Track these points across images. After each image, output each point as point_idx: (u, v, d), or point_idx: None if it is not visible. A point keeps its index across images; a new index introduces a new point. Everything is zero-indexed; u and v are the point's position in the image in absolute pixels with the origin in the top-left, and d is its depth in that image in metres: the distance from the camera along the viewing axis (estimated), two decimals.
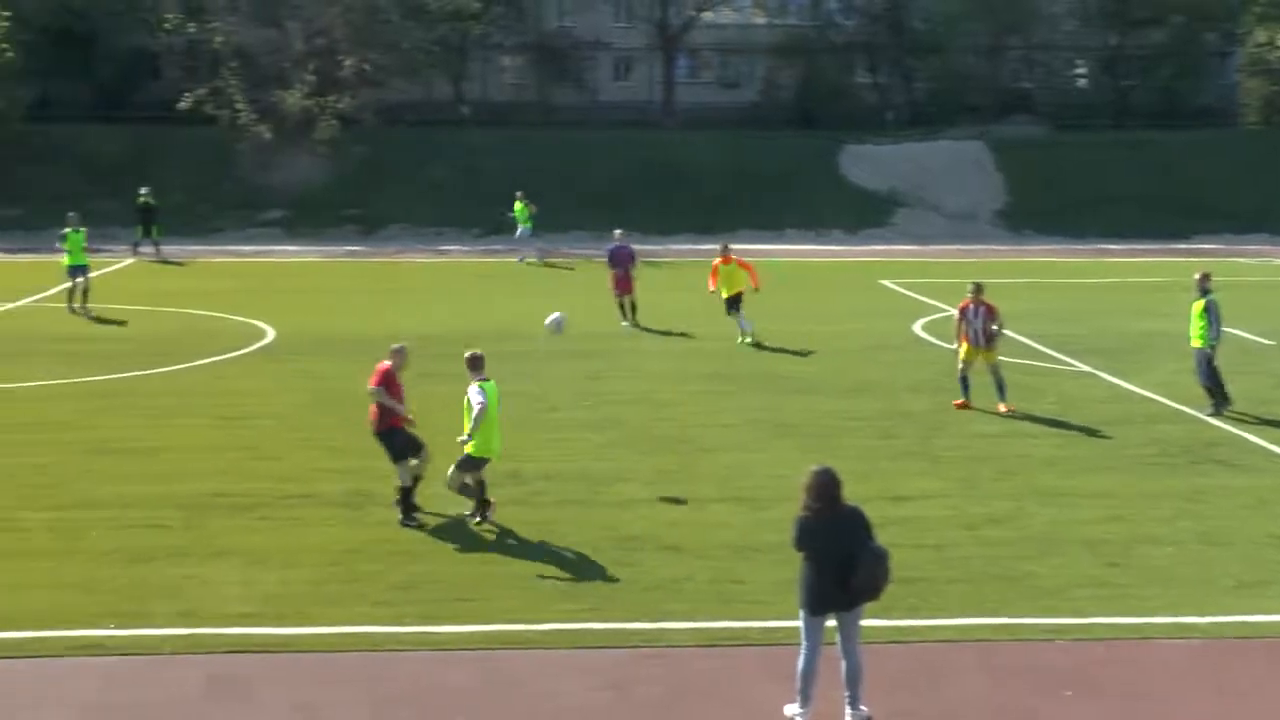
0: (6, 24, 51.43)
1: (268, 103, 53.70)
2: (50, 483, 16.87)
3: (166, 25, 55.75)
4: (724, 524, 15.36)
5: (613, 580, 13.63)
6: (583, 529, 15.24)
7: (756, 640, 11.95)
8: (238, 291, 35.15)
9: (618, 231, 31.63)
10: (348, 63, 54.92)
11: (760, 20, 69.24)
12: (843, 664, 10.51)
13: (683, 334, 28.33)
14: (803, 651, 10.47)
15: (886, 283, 37.83)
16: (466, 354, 15.67)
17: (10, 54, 51.41)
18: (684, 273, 40.51)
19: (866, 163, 57.63)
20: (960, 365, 21.43)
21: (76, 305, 30.45)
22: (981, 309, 21.20)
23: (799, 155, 57.14)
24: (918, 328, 29.73)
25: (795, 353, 26.42)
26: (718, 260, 27.72)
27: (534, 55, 67.15)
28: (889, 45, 67.66)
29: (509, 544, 14.73)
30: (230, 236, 49.42)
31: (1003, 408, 21.05)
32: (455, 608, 12.85)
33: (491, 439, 15.30)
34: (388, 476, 16.78)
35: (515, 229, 44.04)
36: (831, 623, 10.48)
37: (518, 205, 43.48)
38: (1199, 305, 21.12)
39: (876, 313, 31.95)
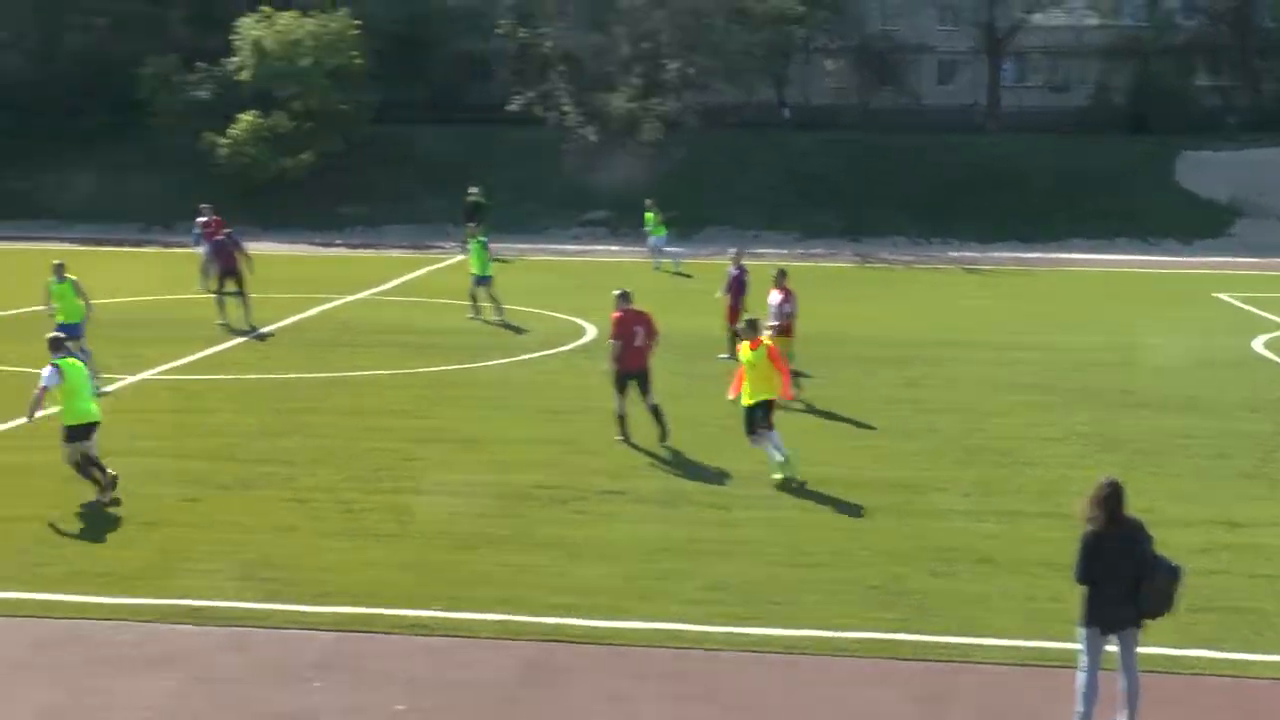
0: (357, 32, 54.26)
1: (594, 105, 55.02)
2: (384, 467, 17.72)
3: (500, 31, 57.79)
4: (1042, 539, 14.91)
5: (925, 592, 13.42)
6: (894, 538, 15.07)
7: (1072, 662, 11.57)
8: (560, 289, 36.12)
9: (731, 250, 27.89)
10: (672, 66, 55.75)
11: (1093, 21, 66.83)
12: (1121, 681, 10.11)
13: (1002, 345, 27.61)
14: (1083, 670, 10.13)
15: (1223, 296, 36.02)
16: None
17: (360, 60, 54.24)
18: (1005, 280, 39.59)
19: (1204, 170, 54.92)
20: None
21: (482, 309, 30.61)
22: None
23: (1130, 161, 54.95)
24: (1258, 345, 28.17)
25: (1122, 366, 25.45)
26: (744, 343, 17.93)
27: (856, 58, 66.68)
28: (1233, 46, 64.34)
29: (820, 549, 14.68)
30: (555, 235, 50.82)
31: None
32: (765, 610, 12.89)
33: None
34: (699, 476, 17.01)
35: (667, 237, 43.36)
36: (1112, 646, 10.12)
37: (648, 214, 42.92)
38: None
39: (1211, 328, 30.45)
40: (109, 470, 16.01)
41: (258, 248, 46.05)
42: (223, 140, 52.07)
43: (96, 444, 16.11)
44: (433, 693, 11.19)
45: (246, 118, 52.25)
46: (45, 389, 15.87)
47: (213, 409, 21.14)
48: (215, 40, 54.91)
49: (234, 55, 53.88)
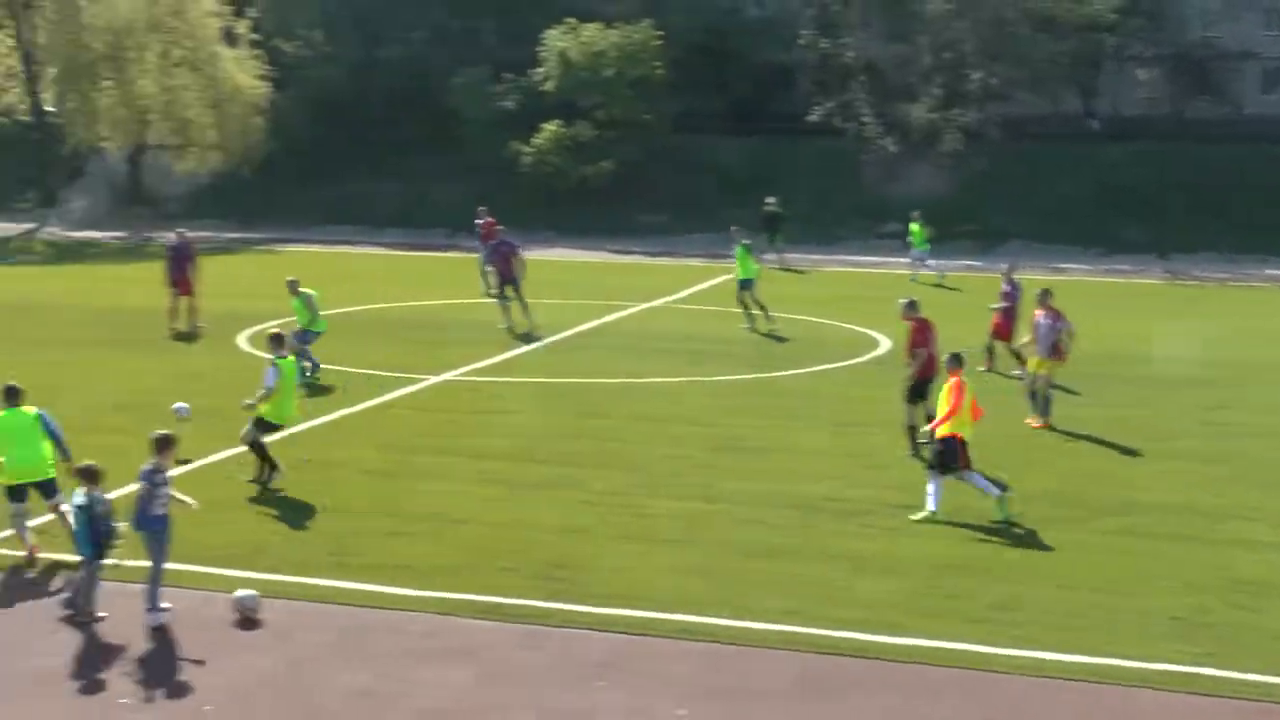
0: (659, 43, 55.15)
1: (894, 116, 54.50)
2: (675, 473, 17.97)
3: (801, 42, 57.81)
4: None
5: (1229, 625, 12.83)
6: (1195, 567, 14.47)
7: None
8: (855, 300, 35.87)
9: (1003, 266, 26.82)
10: (975, 76, 54.75)
11: None
12: None
13: None
14: None
15: None
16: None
17: (661, 71, 55.10)
18: None
19: None
20: None
21: (754, 317, 30.54)
22: None
23: None
24: None
25: None
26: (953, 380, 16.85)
27: (1172, 66, 64.04)
28: None
29: (1116, 574, 14.21)
30: (851, 246, 50.48)
31: None
32: (1057, 635, 12.55)
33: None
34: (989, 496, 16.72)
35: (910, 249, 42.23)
36: None
37: (914, 226, 41.90)
38: None
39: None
40: (280, 468, 17.15)
41: (556, 255, 47.48)
42: (526, 149, 53.68)
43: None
44: (714, 699, 11.31)
45: (550, 127, 53.73)
46: (270, 389, 17.03)
47: (510, 410, 21.84)
48: (522, 52, 56.64)
49: (540, 66, 55.47)
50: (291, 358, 17.97)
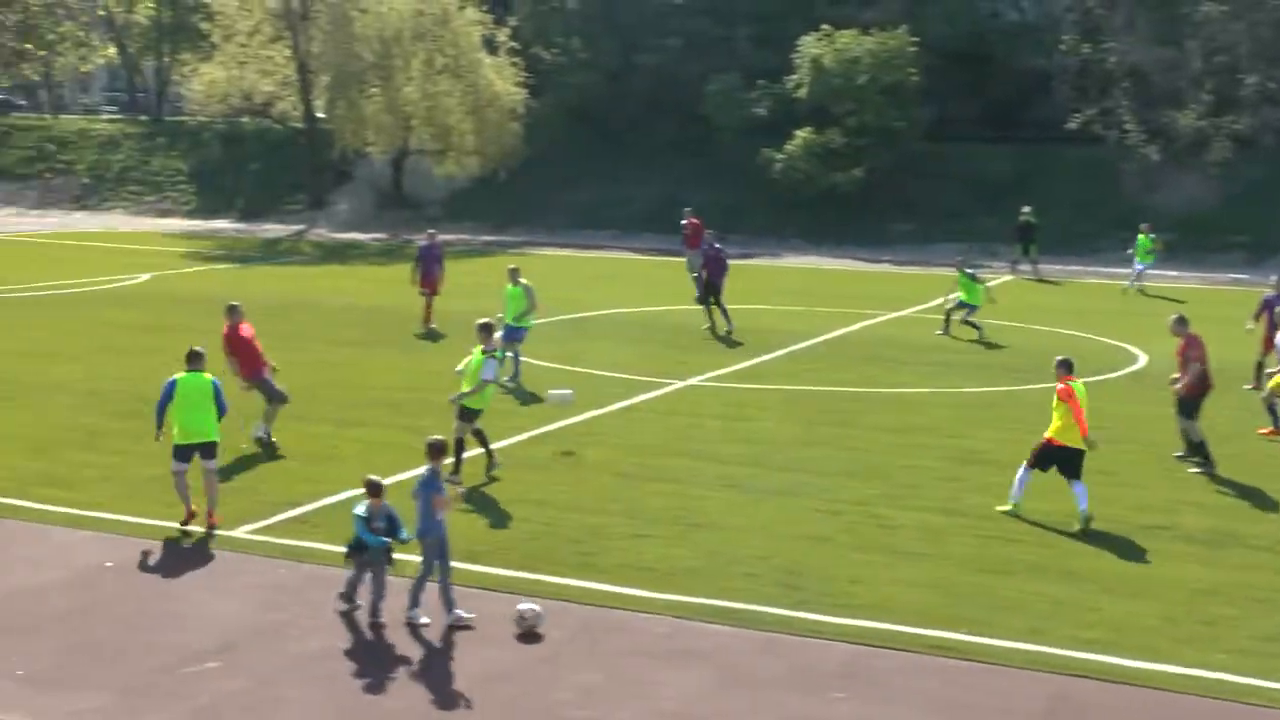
0: (915, 49, 54.46)
1: (1158, 123, 52.59)
2: (920, 485, 17.71)
3: (1062, 47, 56.29)
4: None
5: None
6: None
7: None
8: (1110, 313, 34.80)
9: (1274, 278, 25.81)
10: (1249, 80, 52.44)
11: None
12: None
13: None
14: None
15: None
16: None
17: (916, 77, 54.40)
18: None
19: None
20: None
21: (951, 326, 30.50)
22: None
23: None
24: None
25: None
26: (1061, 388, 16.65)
27: None
28: None
29: None
30: (1110, 257, 48.91)
31: None
32: None
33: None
34: (1257, 519, 16.02)
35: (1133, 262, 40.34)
36: None
37: (1141, 238, 40.05)
38: None
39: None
40: (493, 453, 17.86)
41: (806, 262, 47.36)
42: (778, 155, 53.63)
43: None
44: (951, 715, 11.10)
45: (802, 134, 53.57)
46: (488, 380, 17.49)
47: (754, 417, 21.83)
48: (776, 58, 56.64)
49: (793, 73, 55.38)
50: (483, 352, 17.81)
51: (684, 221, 38.76)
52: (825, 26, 55.30)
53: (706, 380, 24.64)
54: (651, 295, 36.63)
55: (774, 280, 41.82)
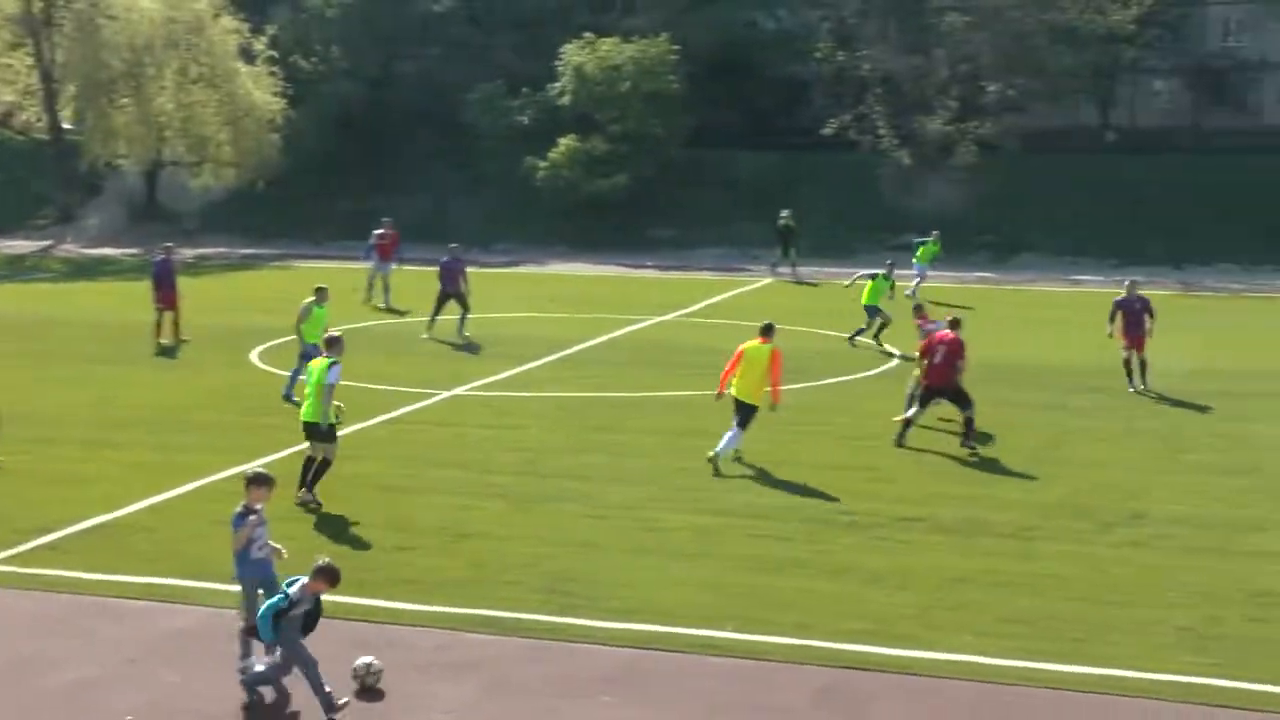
0: (675, 57, 55.20)
1: (909, 129, 54.44)
2: (688, 488, 17.90)
3: (818, 54, 57.79)
4: None
5: (1244, 637, 12.72)
6: (1209, 578, 14.35)
7: None
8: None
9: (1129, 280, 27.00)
10: (992, 88, 54.67)
11: None
12: None
13: None
14: None
15: None
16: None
17: (676, 85, 55.13)
18: None
19: None
20: None
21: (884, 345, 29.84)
22: None
23: None
24: None
25: None
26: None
27: (1191, 78, 63.95)
28: None
29: (1128, 586, 14.10)
30: (866, 259, 50.20)
31: None
32: (1068, 647, 12.46)
33: None
34: (1001, 507, 16.65)
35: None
36: None
37: (930, 244, 40.09)
38: None
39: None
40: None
41: (571, 269, 47.50)
42: (542, 163, 53.73)
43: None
44: (723, 714, 11.23)
45: (565, 141, 53.80)
46: (332, 386, 16.93)
47: (521, 425, 21.77)
48: (539, 66, 56.77)
49: (556, 81, 55.56)
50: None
51: (380, 231, 38.21)
52: (587, 34, 55.68)
53: (473, 390, 24.49)
54: (420, 306, 36.23)
55: (539, 287, 41.87)
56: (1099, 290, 41.74)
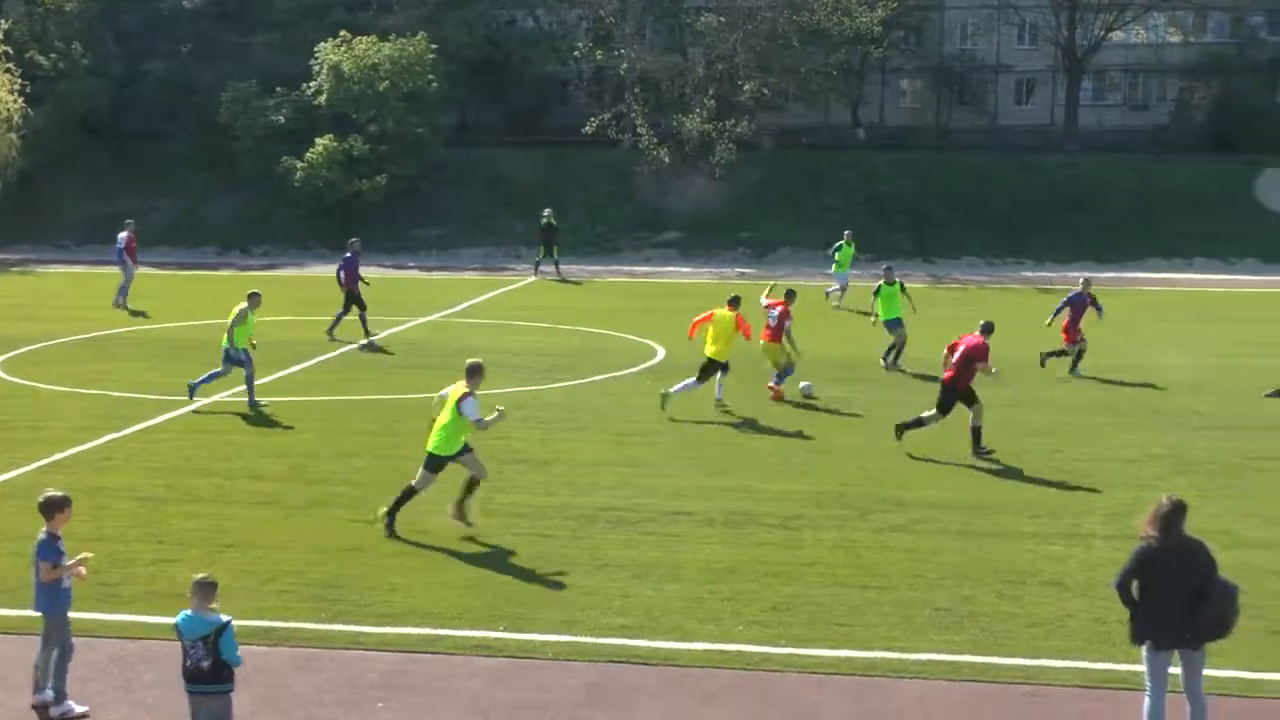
0: (433, 56, 54.83)
1: (668, 127, 55.23)
2: (454, 489, 17.78)
3: (576, 54, 58.15)
4: (1112, 561, 14.61)
5: (993, 613, 13.31)
6: (964, 559, 14.96)
7: (1140, 685, 11.42)
8: (632, 311, 36.22)
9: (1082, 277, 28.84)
10: (747, 87, 55.85)
11: (1175, 39, 66.22)
12: (1187, 708, 10.05)
13: (1082, 367, 27.22)
14: (1148, 695, 10.07)
15: None
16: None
17: (435, 84, 54.78)
18: None
19: None
20: None
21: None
22: None
23: (1211, 180, 54.25)
24: None
25: (1200, 388, 25.10)
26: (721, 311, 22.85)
27: (933, 78, 66.53)
28: None
29: (888, 571, 14.60)
30: (627, 257, 51.00)
31: None
32: (832, 631, 12.85)
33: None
34: (768, 498, 17.02)
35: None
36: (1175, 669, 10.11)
37: (845, 247, 38.78)
38: None
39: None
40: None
41: (330, 270, 46.69)
42: (299, 164, 52.76)
43: None
44: (496, 713, 11.25)
45: (323, 141, 52.92)
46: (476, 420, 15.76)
47: (286, 430, 21.38)
48: (295, 65, 55.75)
49: (312, 80, 54.63)
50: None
51: (125, 234, 37.23)
52: (344, 33, 54.87)
53: (237, 395, 23.91)
54: (174, 311, 35.21)
55: (301, 290, 41.08)
56: (852, 284, 43.04)
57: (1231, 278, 46.32)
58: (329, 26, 56.05)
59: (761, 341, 24.05)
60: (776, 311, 23.89)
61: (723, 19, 56.49)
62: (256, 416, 22.34)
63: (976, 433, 19.81)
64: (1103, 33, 62.19)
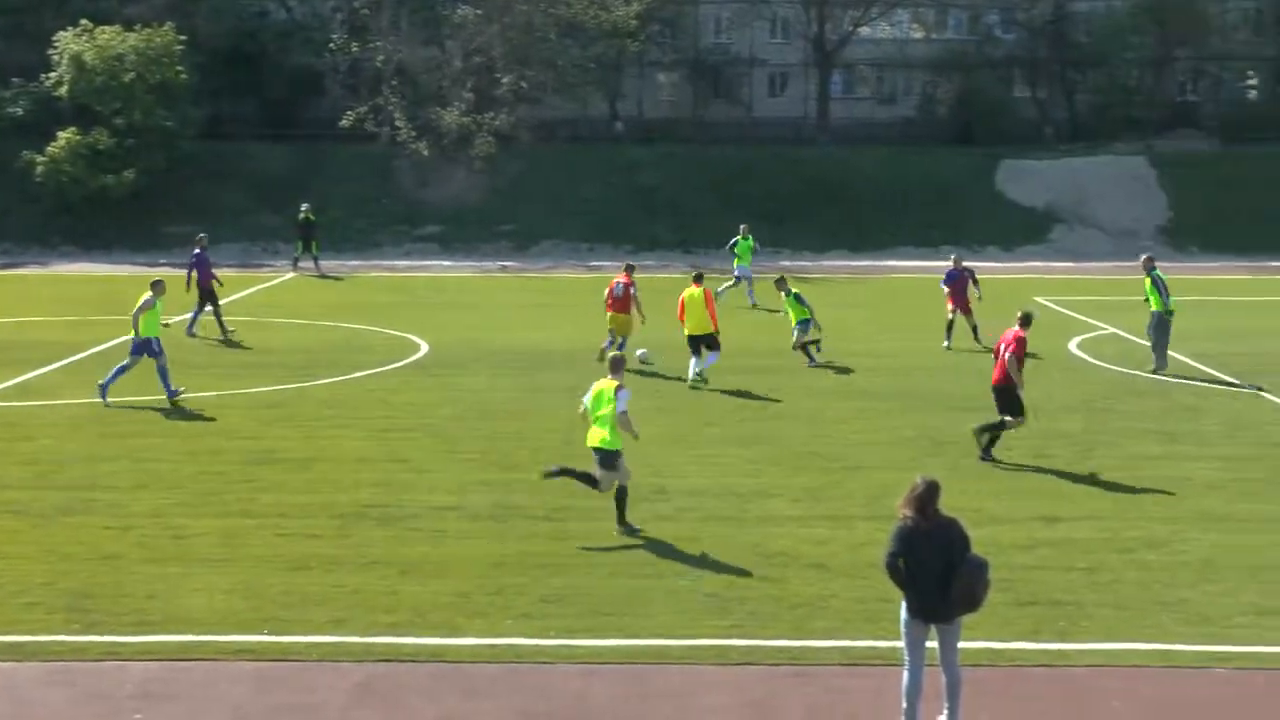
0: (182, 46, 53.15)
1: (426, 120, 54.72)
2: (214, 491, 17.35)
3: (332, 45, 57.14)
4: (871, 542, 15.15)
5: (759, 597, 13.58)
6: (730, 545, 15.21)
7: (900, 661, 11.81)
8: (394, 305, 35.84)
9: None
10: (505, 80, 55.72)
11: (918, 35, 68.67)
12: (943, 678, 10.45)
13: (835, 352, 27.98)
14: (906, 669, 10.44)
15: (1043, 300, 37.11)
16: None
17: (184, 75, 53.13)
18: (836, 289, 40.28)
19: (1025, 179, 56.65)
20: None
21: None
22: None
23: (955, 171, 56.43)
24: (1073, 346, 29.14)
25: (949, 370, 26.07)
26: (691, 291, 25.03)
27: (689, 72, 67.46)
28: (1050, 59, 66.54)
29: (656, 559, 14.76)
30: (388, 252, 50.41)
31: None
32: (601, 621, 12.92)
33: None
34: (534, 490, 17.03)
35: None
36: (932, 642, 10.46)
37: (743, 241, 38.03)
38: (1147, 281, 26.12)
39: (1033, 331, 31.23)
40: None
41: (77, 269, 45.03)
42: (40, 158, 50.55)
43: None
44: (260, 719, 10.99)
45: (65, 135, 50.80)
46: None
47: (31, 436, 20.46)
48: (32, 55, 53.38)
49: (52, 70, 52.40)
50: None
51: None
52: (85, 21, 52.75)
53: None
54: None
55: (44, 289, 39.50)
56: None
57: (975, 264, 48.05)
58: (68, 15, 53.82)
59: (608, 313, 26.19)
60: (622, 284, 26.07)
61: (479, 11, 56.23)
62: (2, 422, 21.35)
63: (995, 437, 19.27)
64: (851, 28, 64.05)
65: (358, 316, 32.77)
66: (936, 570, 10.16)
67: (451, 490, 17.41)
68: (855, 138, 62.39)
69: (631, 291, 26.07)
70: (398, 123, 54.54)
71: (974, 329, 28.83)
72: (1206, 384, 24.80)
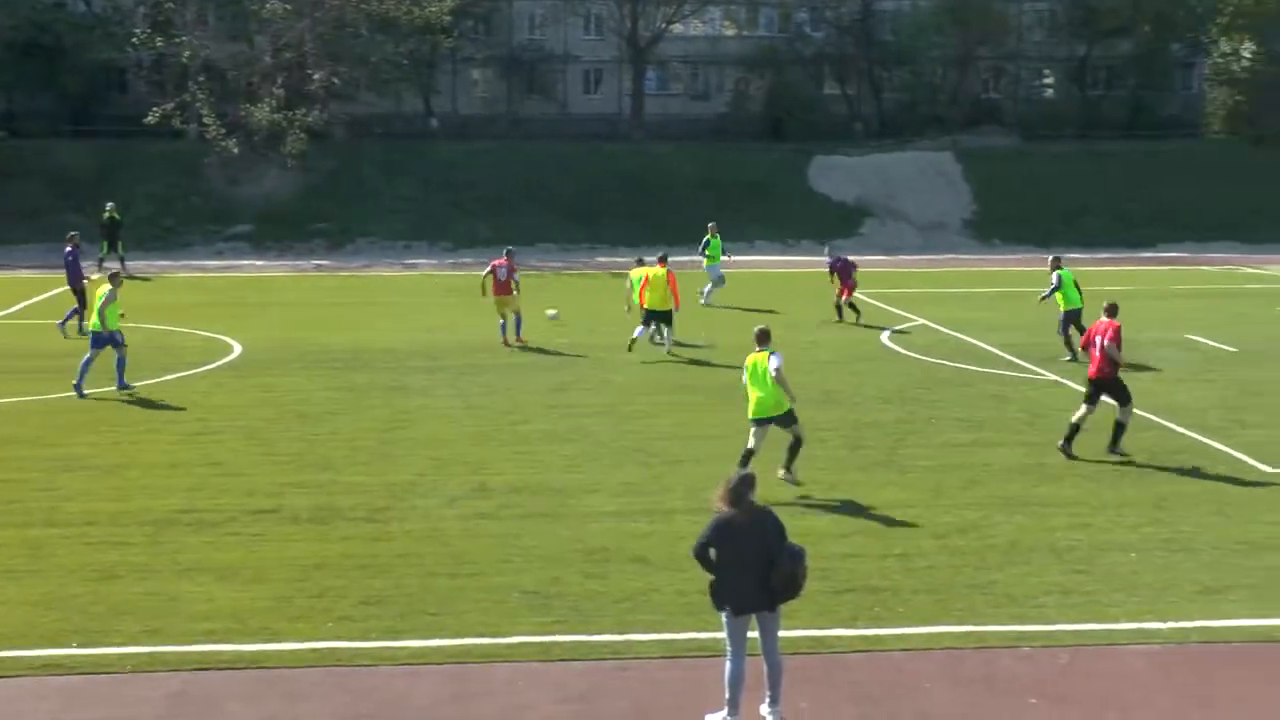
0: None
1: (236, 117, 53.56)
2: (15, 500, 16.76)
3: (135, 40, 55.55)
4: (691, 535, 15.16)
5: (580, 593, 13.61)
6: (551, 541, 15.22)
7: (721, 651, 11.97)
8: (205, 306, 35.05)
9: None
10: (316, 76, 54.84)
11: (729, 32, 69.60)
12: (764, 666, 10.64)
13: (646, 346, 28.22)
14: (729, 659, 10.60)
15: (856, 293, 37.80)
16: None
17: None
18: None
19: (835, 173, 57.84)
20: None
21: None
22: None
23: (768, 166, 57.33)
24: (885, 338, 29.84)
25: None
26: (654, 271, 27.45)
27: (503, 68, 67.30)
28: (857, 57, 68.03)
29: (477, 557, 14.70)
30: (198, 251, 49.27)
31: None
32: (423, 621, 12.82)
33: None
34: (353, 491, 16.85)
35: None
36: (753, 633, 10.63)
37: (713, 240, 37.33)
38: (1067, 277, 27.21)
39: (844, 323, 32.00)
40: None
41: None
42: None
43: None
44: None
45: None
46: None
47: None
48: None
49: None
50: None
51: None
52: None
53: None
54: None
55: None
56: (434, 274, 43.15)
57: (789, 258, 49.04)
58: None
59: (494, 296, 28.09)
60: (505, 268, 28.05)
61: (289, 6, 55.21)
62: None
63: (1119, 429, 19.13)
64: (664, 25, 64.59)
65: (167, 318, 31.96)
66: (755, 560, 10.33)
67: (269, 493, 17.10)
68: (669, 134, 62.97)
69: (515, 278, 28.20)
70: (205, 119, 53.25)
71: (856, 312, 32.13)
72: (1010, 374, 25.60)
